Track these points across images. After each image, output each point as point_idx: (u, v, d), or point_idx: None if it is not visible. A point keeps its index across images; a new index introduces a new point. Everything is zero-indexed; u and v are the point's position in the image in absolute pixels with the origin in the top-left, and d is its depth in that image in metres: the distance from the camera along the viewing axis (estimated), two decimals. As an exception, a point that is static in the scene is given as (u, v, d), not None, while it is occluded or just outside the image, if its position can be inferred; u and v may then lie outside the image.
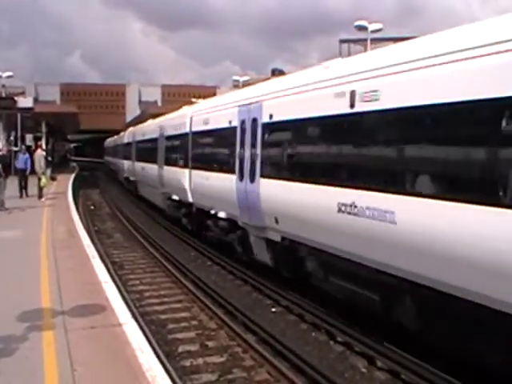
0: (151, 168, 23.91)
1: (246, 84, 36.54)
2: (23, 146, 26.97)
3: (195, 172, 16.28)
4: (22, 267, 10.25)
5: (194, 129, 16.85)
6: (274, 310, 10.65)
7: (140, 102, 78.33)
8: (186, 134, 17.59)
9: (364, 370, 7.79)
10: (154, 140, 23.68)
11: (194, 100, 38.98)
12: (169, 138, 20.72)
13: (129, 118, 67.96)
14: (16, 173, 23.48)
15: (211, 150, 15.66)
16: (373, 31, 26.50)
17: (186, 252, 16.59)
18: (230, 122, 13.23)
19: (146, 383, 5.23)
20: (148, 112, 45.51)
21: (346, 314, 9.24)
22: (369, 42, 26.47)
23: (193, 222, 17.66)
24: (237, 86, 41.50)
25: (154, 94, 79.07)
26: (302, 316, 9.99)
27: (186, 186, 16.87)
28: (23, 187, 22.78)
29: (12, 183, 21.58)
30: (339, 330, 9.01)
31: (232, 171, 12.76)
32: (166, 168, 20.68)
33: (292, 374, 7.40)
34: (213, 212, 14.50)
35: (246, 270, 13.10)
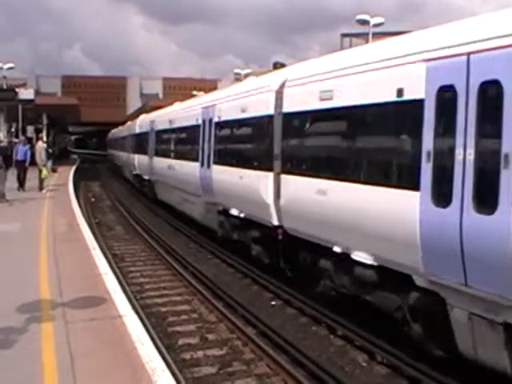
0: (187, 167, 17.33)
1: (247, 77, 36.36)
2: (22, 137, 25.68)
3: (289, 178, 10.16)
4: (22, 259, 10.24)
5: (289, 109, 10.29)
6: (273, 303, 10.63)
7: (141, 94, 78.11)
8: (265, 119, 11.21)
9: (364, 364, 7.79)
10: (193, 128, 16.87)
11: (195, 93, 38.85)
12: (223, 124, 14.12)
13: (130, 111, 67.87)
14: (16, 164, 22.51)
15: (338, 143, 8.92)
16: (374, 25, 26.39)
17: (186, 245, 16.58)
18: (401, 93, 7.17)
19: (146, 375, 5.22)
20: (149, 105, 45.47)
21: (346, 308, 9.22)
22: (370, 36, 26.36)
23: (278, 255, 11.30)
24: (238, 79, 41.40)
25: (155, 87, 78.84)
26: (302, 310, 9.98)
27: (268, 200, 10.88)
28: (21, 180, 21.97)
29: (13, 174, 21.54)
30: (339, 323, 8.99)
31: (406, 184, 6.99)
32: (217, 168, 14.27)
33: (291, 367, 7.40)
34: (337, 250, 8.63)
35: (247, 264, 13.08)
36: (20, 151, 22.35)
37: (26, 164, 22.28)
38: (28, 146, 23.24)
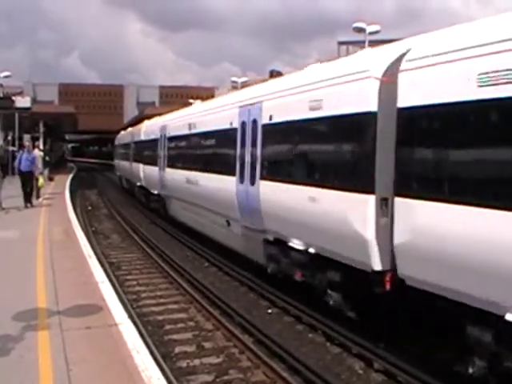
0: None
1: (244, 85, 36.50)
2: (27, 143, 22.88)
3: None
4: (18, 267, 10.23)
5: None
6: (270, 311, 10.62)
7: (138, 102, 78.32)
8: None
9: (361, 371, 7.78)
10: None
11: (191, 101, 38.91)
12: None
13: (127, 119, 67.96)
14: (21, 175, 19.94)
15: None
16: (371, 33, 26.54)
17: (182, 253, 16.56)
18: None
19: (142, 384, 5.21)
20: (146, 113, 45.51)
21: (342, 316, 9.21)
22: (367, 43, 26.48)
23: None
24: (235, 87, 41.51)
25: (151, 95, 79.08)
26: (299, 317, 9.98)
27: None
28: (29, 194, 19.57)
29: (10, 183, 21.40)
30: (336, 331, 8.99)
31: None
32: None
33: (288, 375, 7.39)
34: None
35: (243, 272, 13.08)
36: (24, 160, 19.83)
37: (36, 174, 20.30)
38: (33, 155, 20.90)
